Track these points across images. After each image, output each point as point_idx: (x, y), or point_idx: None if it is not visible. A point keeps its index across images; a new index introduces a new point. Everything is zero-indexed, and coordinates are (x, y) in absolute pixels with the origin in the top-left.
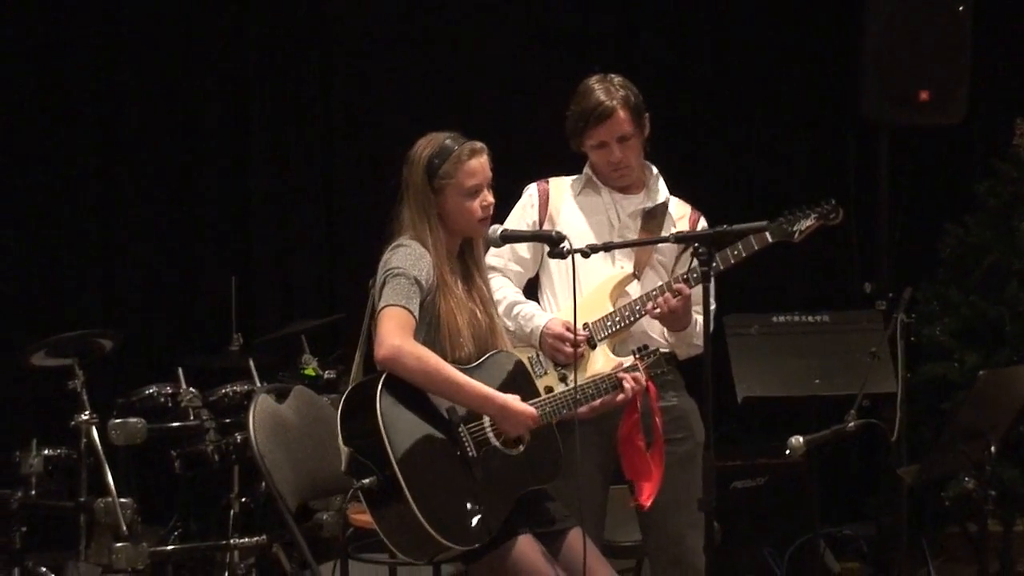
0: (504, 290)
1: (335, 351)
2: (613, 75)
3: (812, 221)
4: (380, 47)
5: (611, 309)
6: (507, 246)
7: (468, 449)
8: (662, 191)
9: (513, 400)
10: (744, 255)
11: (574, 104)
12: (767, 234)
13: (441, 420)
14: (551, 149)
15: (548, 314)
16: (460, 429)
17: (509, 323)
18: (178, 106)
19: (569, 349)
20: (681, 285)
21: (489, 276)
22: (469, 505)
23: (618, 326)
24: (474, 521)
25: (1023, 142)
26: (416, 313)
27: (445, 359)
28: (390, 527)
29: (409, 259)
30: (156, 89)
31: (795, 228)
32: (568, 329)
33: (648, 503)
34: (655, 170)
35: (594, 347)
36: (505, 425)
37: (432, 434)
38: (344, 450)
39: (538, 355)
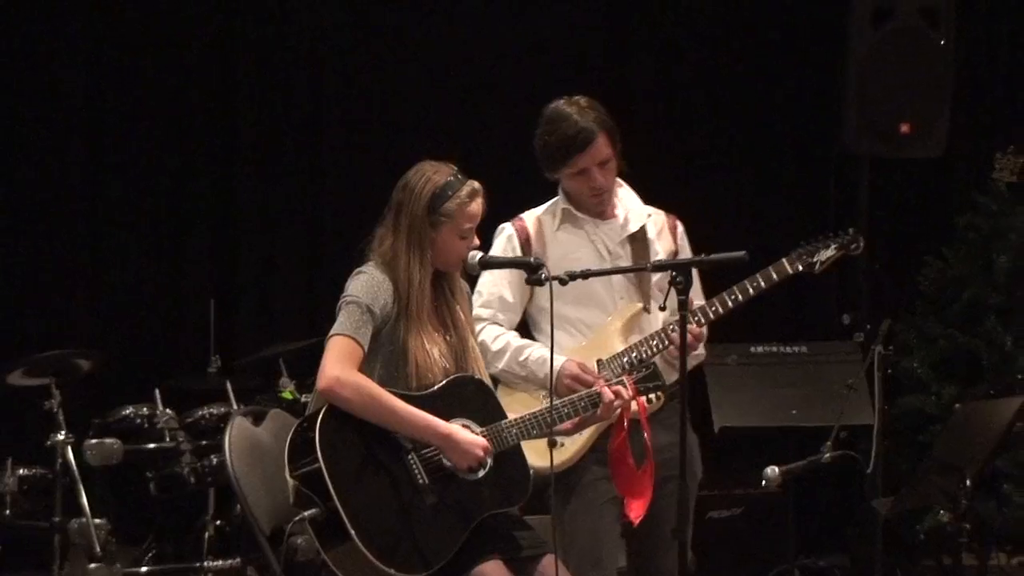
0: (503, 337)
1: (313, 375)
2: (578, 96)
3: (833, 251)
4: (369, 71)
5: (622, 346)
6: (495, 296)
7: (418, 476)
8: (636, 208)
9: (458, 430)
10: (764, 286)
11: (547, 134)
12: (787, 265)
13: (389, 448)
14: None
15: (560, 356)
16: (410, 456)
17: (519, 369)
18: (164, 127)
19: (582, 390)
20: (691, 326)
21: (480, 327)
22: (417, 533)
23: (634, 363)
24: (422, 548)
25: (1003, 176)
26: (365, 343)
27: (410, 390)
28: (337, 558)
29: (365, 287)
30: (141, 111)
31: (815, 259)
32: (584, 370)
33: (637, 520)
34: (625, 186)
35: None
36: (451, 455)
37: (377, 463)
38: (290, 482)
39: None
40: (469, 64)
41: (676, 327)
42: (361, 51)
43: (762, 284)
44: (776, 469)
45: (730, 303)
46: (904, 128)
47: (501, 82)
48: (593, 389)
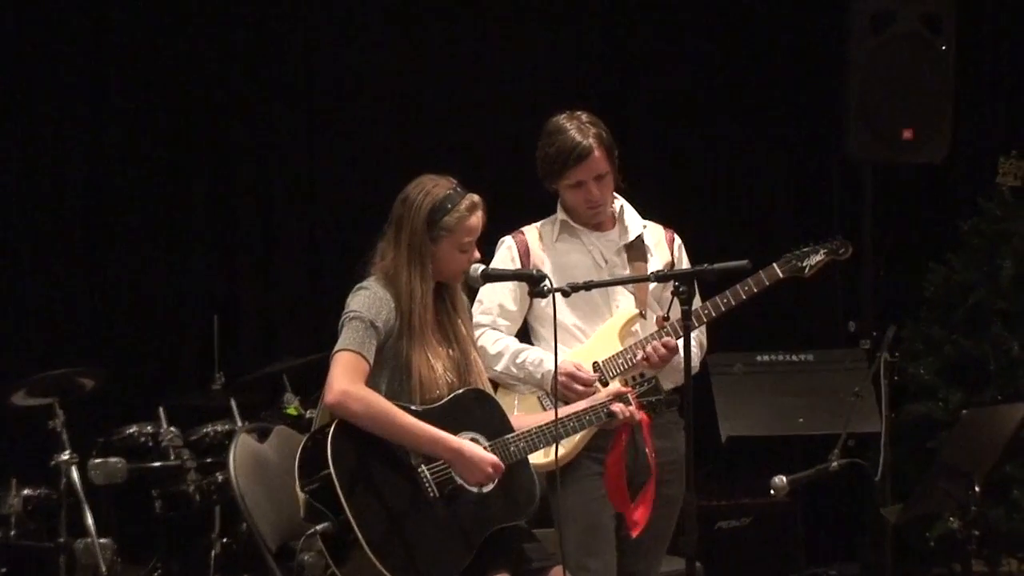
0: (502, 341)
1: (317, 390)
2: (579, 112)
3: (822, 256)
4: (369, 85)
5: (620, 348)
6: (495, 303)
7: (429, 490)
8: (633, 221)
9: (468, 446)
10: (755, 291)
11: (546, 145)
12: (777, 270)
13: (399, 462)
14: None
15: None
16: (421, 470)
17: (516, 371)
18: (163, 144)
19: (579, 387)
20: (667, 338)
21: (480, 332)
22: (429, 546)
23: (629, 364)
24: (434, 563)
25: (1006, 180)
26: (371, 357)
27: (414, 405)
28: (349, 572)
29: (367, 302)
30: (140, 127)
31: (805, 264)
32: (579, 369)
33: (635, 534)
34: (622, 200)
35: (605, 385)
36: (461, 471)
37: (388, 477)
38: (301, 496)
39: (547, 394)
40: (469, 78)
41: (668, 331)
42: (361, 66)
43: (753, 289)
44: (784, 478)
45: (722, 307)
46: (906, 134)
47: (501, 96)
48: (599, 403)
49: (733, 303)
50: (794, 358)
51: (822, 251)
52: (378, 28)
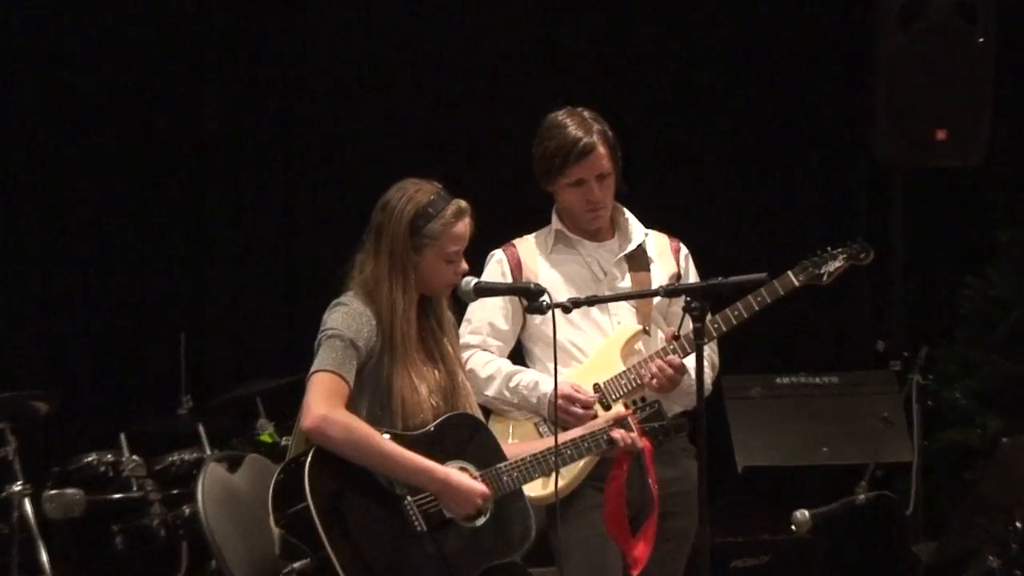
0: (494, 363)
1: (293, 415)
2: (581, 108)
3: (841, 262)
4: (344, 97)
5: (622, 368)
6: (485, 322)
7: (415, 523)
8: (634, 229)
9: (456, 475)
10: (769, 301)
11: (546, 140)
12: (792, 278)
13: (384, 493)
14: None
15: (550, 378)
16: (407, 502)
17: (509, 395)
18: (129, 155)
19: (578, 410)
20: (672, 357)
21: (469, 354)
22: None
23: (633, 385)
24: None
25: None
26: (350, 379)
27: (396, 429)
28: None
29: (346, 319)
30: (104, 135)
31: (823, 270)
32: (577, 391)
33: (635, 572)
34: (622, 208)
35: (607, 408)
36: (448, 502)
37: (371, 509)
38: (276, 531)
39: (544, 420)
40: (456, 81)
41: (675, 349)
42: (339, 68)
43: (767, 299)
44: (806, 513)
45: (733, 320)
46: (940, 135)
47: (489, 98)
48: (598, 429)
49: (745, 315)
50: (817, 381)
51: (841, 256)
52: (371, 18)
